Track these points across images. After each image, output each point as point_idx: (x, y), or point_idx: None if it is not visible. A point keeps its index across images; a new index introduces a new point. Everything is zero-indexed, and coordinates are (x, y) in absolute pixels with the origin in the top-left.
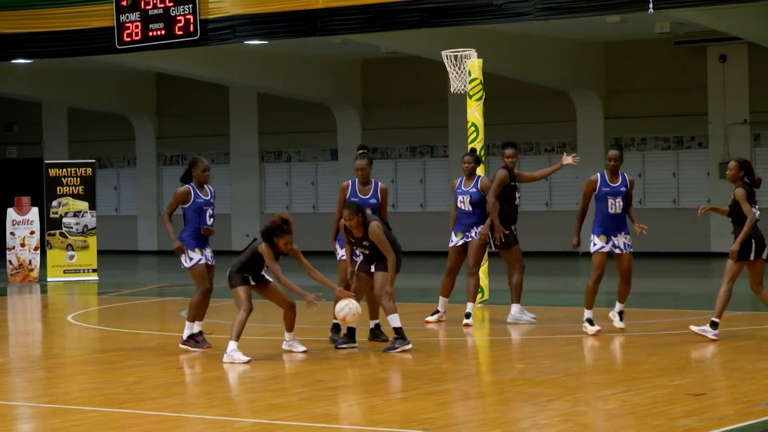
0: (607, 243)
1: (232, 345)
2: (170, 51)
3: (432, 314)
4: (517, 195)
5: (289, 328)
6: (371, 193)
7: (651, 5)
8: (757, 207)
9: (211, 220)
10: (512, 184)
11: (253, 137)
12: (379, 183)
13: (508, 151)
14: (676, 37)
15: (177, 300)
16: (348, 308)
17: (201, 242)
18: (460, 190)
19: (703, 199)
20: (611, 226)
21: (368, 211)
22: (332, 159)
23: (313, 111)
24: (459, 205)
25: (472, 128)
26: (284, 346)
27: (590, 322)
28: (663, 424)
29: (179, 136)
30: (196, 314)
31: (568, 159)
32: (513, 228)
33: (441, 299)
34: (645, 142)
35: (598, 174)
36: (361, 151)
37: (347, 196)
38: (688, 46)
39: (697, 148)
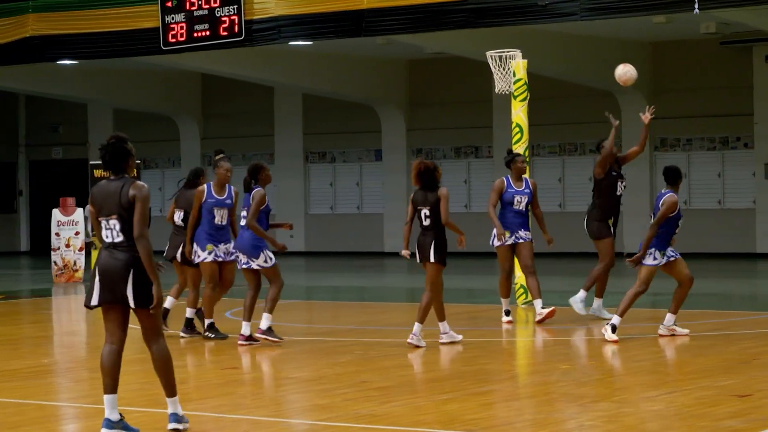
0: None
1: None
2: (215, 52)
3: (506, 314)
4: (619, 184)
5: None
6: (227, 193)
7: (697, 5)
8: None
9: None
10: (614, 173)
11: (297, 138)
12: (232, 187)
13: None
14: (722, 37)
15: (221, 301)
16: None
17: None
18: (513, 191)
19: (749, 200)
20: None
21: (224, 211)
22: (377, 159)
23: (358, 111)
24: (515, 205)
25: (517, 129)
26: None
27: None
28: (708, 425)
29: (224, 137)
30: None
31: (647, 116)
32: (610, 221)
33: (506, 300)
34: (690, 143)
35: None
36: (222, 155)
37: (204, 200)
38: (733, 46)
39: (743, 149)
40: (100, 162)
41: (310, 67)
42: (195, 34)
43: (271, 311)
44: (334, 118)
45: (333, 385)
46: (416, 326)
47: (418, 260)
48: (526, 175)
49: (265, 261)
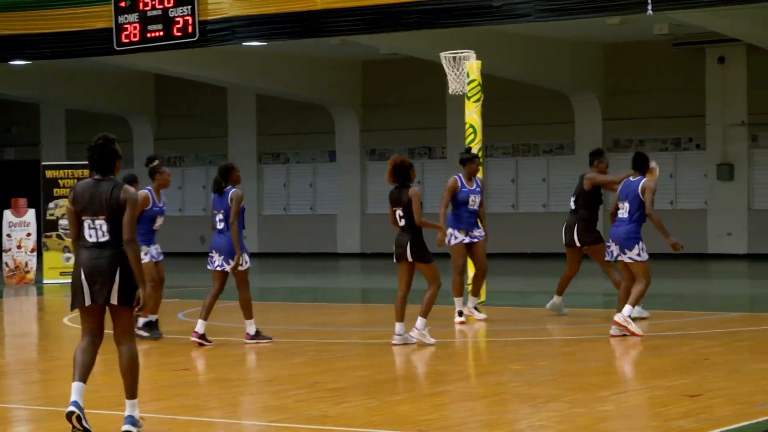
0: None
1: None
2: (169, 52)
3: (459, 315)
4: (601, 197)
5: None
6: (162, 200)
7: (650, 6)
8: None
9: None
10: (599, 189)
11: (251, 138)
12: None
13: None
14: (674, 39)
15: (173, 302)
16: None
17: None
18: (468, 190)
19: (701, 201)
20: None
21: (163, 218)
22: (331, 160)
23: (312, 112)
24: (470, 205)
25: (470, 129)
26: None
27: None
28: (659, 425)
29: (177, 138)
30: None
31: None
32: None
33: (459, 300)
34: (643, 144)
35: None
36: (157, 161)
37: (150, 207)
38: (686, 48)
39: (695, 150)
40: (53, 163)
41: (264, 67)
42: (148, 35)
43: (251, 315)
44: (287, 118)
45: (286, 386)
46: (419, 320)
47: (394, 259)
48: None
49: (241, 264)
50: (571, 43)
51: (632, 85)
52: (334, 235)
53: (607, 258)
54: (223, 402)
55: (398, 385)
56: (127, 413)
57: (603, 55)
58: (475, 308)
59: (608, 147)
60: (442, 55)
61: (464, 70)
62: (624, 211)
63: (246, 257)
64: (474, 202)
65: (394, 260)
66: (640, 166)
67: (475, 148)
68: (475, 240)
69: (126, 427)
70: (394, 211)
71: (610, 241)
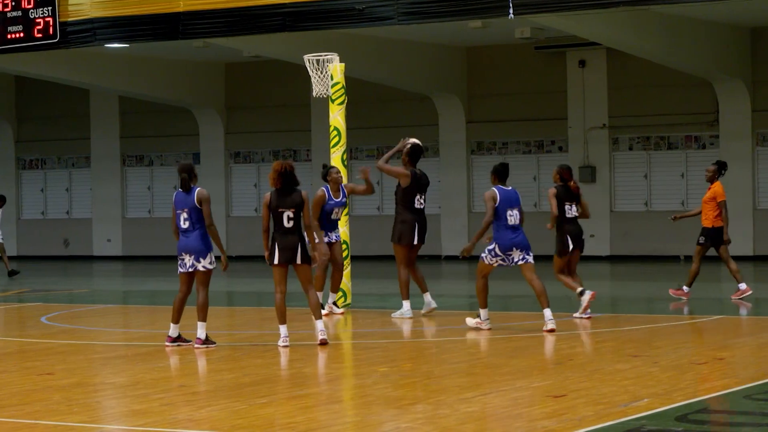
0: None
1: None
2: (30, 54)
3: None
4: None
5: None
6: None
7: (511, 11)
8: (572, 206)
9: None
10: None
11: (114, 141)
12: None
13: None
14: (536, 42)
15: (36, 306)
16: None
17: None
18: (334, 202)
19: None
20: None
21: None
22: (195, 163)
23: (176, 115)
24: (333, 216)
25: (335, 132)
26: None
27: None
28: (523, 425)
29: (39, 140)
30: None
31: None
32: None
33: (320, 294)
34: (506, 146)
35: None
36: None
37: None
38: (548, 51)
39: (558, 152)
40: None
41: (126, 69)
42: (9, 36)
43: (206, 318)
44: (151, 121)
45: (150, 390)
46: (318, 323)
47: (276, 262)
48: (344, 182)
49: (210, 263)
50: (434, 46)
51: (495, 88)
52: None
53: (496, 263)
54: (87, 407)
55: (263, 387)
56: None
57: (466, 58)
58: (335, 303)
59: (472, 149)
60: (306, 57)
61: (328, 73)
62: (514, 219)
63: (212, 257)
64: (337, 213)
65: (275, 262)
66: (505, 177)
67: (340, 151)
68: (333, 240)
69: None
70: (281, 213)
71: (513, 248)
